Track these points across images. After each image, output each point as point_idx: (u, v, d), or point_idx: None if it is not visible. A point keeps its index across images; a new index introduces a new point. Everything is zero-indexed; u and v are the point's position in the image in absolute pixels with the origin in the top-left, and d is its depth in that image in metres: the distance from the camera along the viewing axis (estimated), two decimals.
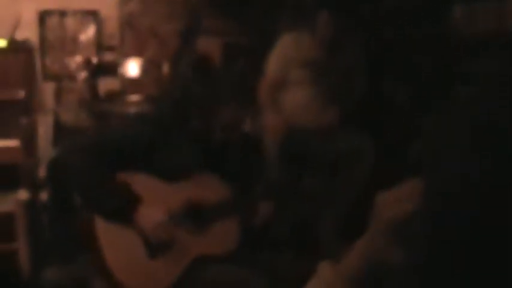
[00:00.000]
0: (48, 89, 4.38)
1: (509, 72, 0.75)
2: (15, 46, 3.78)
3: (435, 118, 0.82)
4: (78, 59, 4.47)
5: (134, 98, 4.00)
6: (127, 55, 4.37)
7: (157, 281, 2.38)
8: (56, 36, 4.46)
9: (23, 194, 3.10)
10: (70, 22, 4.50)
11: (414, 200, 0.88)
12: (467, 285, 0.76)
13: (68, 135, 3.96)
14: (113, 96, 3.94)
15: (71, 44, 4.49)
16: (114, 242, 2.36)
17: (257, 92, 3.77)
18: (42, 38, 4.42)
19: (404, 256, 0.89)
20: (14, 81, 3.68)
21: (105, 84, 4.26)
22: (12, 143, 3.43)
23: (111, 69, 4.00)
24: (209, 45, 4.68)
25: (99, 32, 4.51)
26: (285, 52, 3.79)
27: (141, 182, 2.40)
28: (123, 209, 2.33)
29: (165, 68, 4.04)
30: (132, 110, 3.84)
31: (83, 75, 4.39)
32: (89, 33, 4.51)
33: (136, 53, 4.40)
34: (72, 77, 4.47)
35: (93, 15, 4.52)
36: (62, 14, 4.47)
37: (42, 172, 4.05)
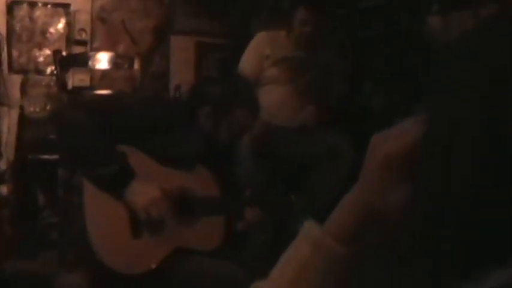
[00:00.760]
0: (14, 82, 4.23)
1: None
2: None
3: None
4: (47, 52, 4.33)
5: (103, 92, 3.88)
6: (98, 50, 4.25)
7: (137, 262, 2.30)
8: (24, 28, 4.32)
9: None
10: (40, 14, 4.36)
11: (414, 134, 0.78)
12: (472, 227, 0.66)
13: (34, 129, 3.82)
14: (81, 90, 3.80)
15: (39, 37, 4.35)
16: (100, 214, 2.29)
17: None
18: (10, 29, 4.27)
19: (403, 198, 0.79)
20: None
21: (74, 77, 4.12)
22: None
23: (81, 62, 3.86)
24: (182, 44, 4.59)
25: (70, 25, 4.38)
26: (260, 49, 3.72)
27: (138, 159, 2.35)
28: (117, 176, 2.25)
29: (137, 65, 3.92)
30: None
31: (51, 68, 4.26)
32: (59, 26, 4.38)
33: (108, 48, 4.27)
34: (39, 71, 4.33)
35: (64, 7, 4.38)
36: (32, 5, 4.33)
37: (3, 165, 3.90)
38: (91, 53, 4.06)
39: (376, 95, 4.21)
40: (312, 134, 3.59)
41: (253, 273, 2.43)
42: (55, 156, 3.37)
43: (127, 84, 4.08)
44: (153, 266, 2.28)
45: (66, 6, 4.39)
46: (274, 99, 3.64)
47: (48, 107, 4.09)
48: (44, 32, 4.35)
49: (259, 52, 3.70)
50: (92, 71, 4.00)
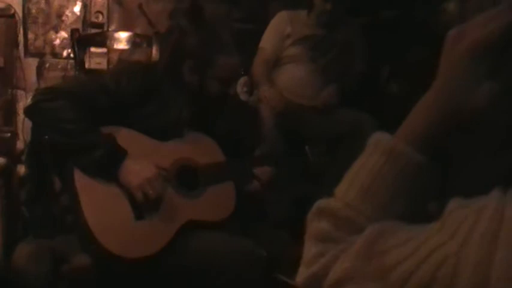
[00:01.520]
0: (30, 65, 4.17)
1: None
2: None
3: None
4: (63, 35, 4.28)
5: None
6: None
7: (143, 246, 2.17)
8: (40, 11, 4.26)
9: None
10: None
11: (501, 22, 0.72)
12: None
13: None
14: (99, 71, 3.74)
15: (55, 20, 4.29)
16: (96, 201, 2.17)
17: (251, 69, 3.64)
18: (26, 12, 4.22)
19: (491, 91, 0.72)
20: None
21: (91, 60, 4.07)
22: None
23: (99, 41, 3.80)
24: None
25: (86, 8, 4.32)
26: (281, 28, 3.68)
27: (128, 137, 2.23)
28: (107, 159, 2.14)
29: (155, 45, 3.86)
30: None
31: (67, 51, 4.21)
32: (75, 9, 4.32)
33: (124, 31, 4.22)
34: (55, 54, 4.27)
35: None
36: None
37: (20, 144, 3.85)
38: (109, 32, 4.01)
39: (393, 78, 4.16)
40: (334, 112, 3.53)
41: (269, 248, 2.36)
42: None
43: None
44: (160, 248, 2.18)
45: None
46: (295, 77, 3.61)
47: None
48: (60, 15, 4.29)
49: (280, 31, 3.66)
50: (110, 51, 3.94)
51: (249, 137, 2.64)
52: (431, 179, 0.80)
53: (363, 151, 0.86)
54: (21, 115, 4.01)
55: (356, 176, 0.83)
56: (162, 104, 2.29)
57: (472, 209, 0.66)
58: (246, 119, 2.69)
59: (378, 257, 0.72)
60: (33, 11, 4.25)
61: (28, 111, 2.30)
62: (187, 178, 2.29)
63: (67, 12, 4.32)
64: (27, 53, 4.23)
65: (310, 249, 0.82)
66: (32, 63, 4.19)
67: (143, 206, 2.17)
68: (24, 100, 4.07)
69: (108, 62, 4.10)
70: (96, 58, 4.08)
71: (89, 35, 3.89)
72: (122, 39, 3.65)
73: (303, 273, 0.82)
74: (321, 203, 0.85)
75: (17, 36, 3.92)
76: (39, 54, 4.25)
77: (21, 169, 3.68)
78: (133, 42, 3.66)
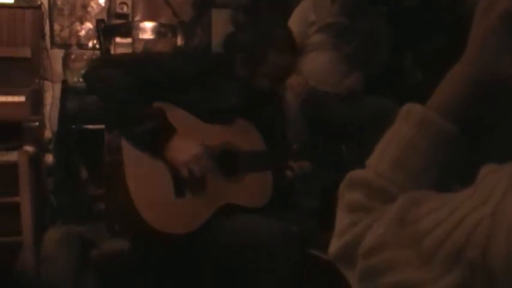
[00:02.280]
0: (56, 56, 4.22)
1: None
2: (23, 3, 3.62)
3: None
4: (88, 26, 4.32)
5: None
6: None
7: (182, 222, 2.22)
8: (65, 2, 4.31)
9: (28, 148, 2.94)
10: None
11: None
12: None
13: (77, 100, 3.80)
14: None
15: (81, 11, 4.34)
16: (141, 175, 2.21)
17: None
18: (52, 4, 4.26)
19: None
20: (21, 40, 3.53)
21: (116, 50, 4.10)
22: (17, 98, 3.27)
23: (124, 31, 3.84)
24: (224, 16, 4.54)
25: None
26: (305, 16, 3.68)
27: (177, 115, 2.27)
28: (156, 134, 2.17)
29: (180, 34, 3.88)
30: None
31: (92, 42, 4.25)
32: (100, 0, 4.36)
33: (149, 21, 4.24)
34: (81, 44, 4.31)
35: None
36: None
37: (47, 134, 3.90)
38: (134, 22, 4.04)
39: (417, 65, 4.14)
40: (358, 99, 3.53)
41: (303, 231, 2.38)
42: (99, 126, 3.36)
43: None
44: (198, 225, 2.21)
45: None
46: (319, 65, 3.61)
47: None
48: (85, 6, 4.34)
49: (304, 19, 3.66)
50: (135, 41, 3.98)
51: (275, 122, 2.67)
52: (462, 148, 0.80)
53: (394, 122, 0.86)
54: (48, 105, 4.07)
55: (387, 147, 0.84)
56: (213, 89, 2.33)
57: (505, 172, 0.67)
58: (279, 108, 2.72)
59: (411, 224, 0.72)
60: (59, 2, 4.30)
61: (86, 76, 2.35)
62: (229, 162, 2.32)
63: (92, 4, 4.36)
64: (53, 44, 4.28)
65: (342, 220, 0.83)
66: (58, 54, 4.23)
67: (186, 183, 2.21)
68: (50, 91, 4.13)
69: (133, 51, 4.14)
70: (121, 48, 4.12)
71: (114, 25, 3.92)
72: (147, 29, 3.67)
73: (335, 244, 0.83)
74: (353, 174, 0.86)
75: (43, 27, 3.96)
76: (65, 45, 4.29)
77: (49, 158, 3.74)
78: (158, 31, 3.67)
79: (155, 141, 2.18)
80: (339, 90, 3.56)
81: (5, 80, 3.36)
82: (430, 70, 3.91)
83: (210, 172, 2.25)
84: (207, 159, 2.22)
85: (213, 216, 2.25)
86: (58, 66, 4.20)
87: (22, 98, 3.32)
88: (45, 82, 4.08)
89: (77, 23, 4.33)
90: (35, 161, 2.98)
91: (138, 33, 3.71)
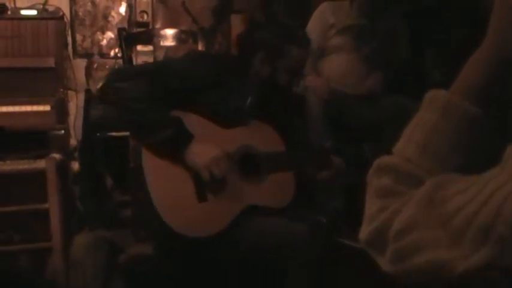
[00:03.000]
0: (79, 66, 4.28)
1: None
2: (46, 14, 3.68)
3: None
4: (110, 35, 4.38)
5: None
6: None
7: (206, 225, 2.25)
8: (87, 13, 4.37)
9: (55, 155, 2.99)
10: None
11: None
12: None
13: (100, 108, 3.84)
14: None
15: (102, 21, 4.40)
16: (162, 181, 2.24)
17: None
18: (73, 15, 4.33)
19: None
20: (45, 50, 3.58)
21: (137, 59, 4.15)
22: (43, 107, 3.33)
23: (146, 39, 3.88)
24: (241, 24, 4.57)
25: (131, 8, 4.41)
26: (324, 19, 3.69)
27: (195, 122, 2.32)
28: (175, 140, 2.21)
29: (200, 40, 3.92)
30: None
31: (114, 51, 4.30)
32: (120, 9, 4.42)
33: (170, 28, 4.29)
34: (103, 54, 4.37)
35: None
36: None
37: (72, 142, 3.95)
38: (155, 30, 4.08)
39: (436, 64, 4.13)
40: (379, 100, 3.54)
41: (322, 234, 2.39)
42: (123, 133, 3.40)
43: None
44: (222, 228, 2.24)
45: None
46: (340, 67, 3.63)
47: None
48: (106, 16, 4.40)
49: (323, 21, 3.67)
50: (156, 49, 4.02)
51: (298, 123, 2.69)
52: (486, 131, 0.82)
53: (419, 108, 0.88)
54: (72, 115, 4.13)
55: (413, 132, 0.86)
56: (229, 92, 2.36)
57: None
58: (294, 107, 2.74)
59: (440, 205, 0.74)
60: (80, 13, 4.36)
61: (101, 91, 2.40)
62: (249, 165, 2.34)
63: (113, 13, 4.42)
64: (76, 54, 4.35)
65: (371, 206, 0.85)
66: (81, 63, 4.30)
67: (208, 187, 2.24)
68: (74, 100, 4.18)
69: (155, 60, 4.19)
70: (142, 56, 4.17)
71: (135, 33, 3.96)
72: (168, 36, 3.71)
73: (365, 230, 0.85)
74: (381, 160, 0.87)
75: (66, 37, 4.02)
76: (87, 55, 4.36)
77: (75, 165, 3.79)
78: (179, 38, 3.71)
79: (174, 148, 2.22)
80: (359, 91, 3.56)
81: (31, 90, 3.43)
82: (450, 69, 3.91)
83: (230, 174, 2.27)
84: (226, 161, 2.24)
85: (237, 219, 2.27)
86: (81, 75, 4.26)
87: (47, 107, 3.38)
88: (69, 92, 4.14)
89: (99, 33, 4.39)
90: (62, 168, 3.03)
91: (160, 41, 3.76)
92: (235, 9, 4.58)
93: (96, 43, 4.39)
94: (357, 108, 3.50)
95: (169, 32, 3.74)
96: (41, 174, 2.85)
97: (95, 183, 3.92)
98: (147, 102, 2.21)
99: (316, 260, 2.19)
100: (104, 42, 4.40)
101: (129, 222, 3.04)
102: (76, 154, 3.87)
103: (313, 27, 3.68)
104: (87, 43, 4.38)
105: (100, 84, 2.54)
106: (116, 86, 2.27)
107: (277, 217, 2.32)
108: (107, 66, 4.34)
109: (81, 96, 4.15)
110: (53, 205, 2.82)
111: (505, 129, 0.84)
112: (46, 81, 3.50)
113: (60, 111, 3.51)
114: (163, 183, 2.23)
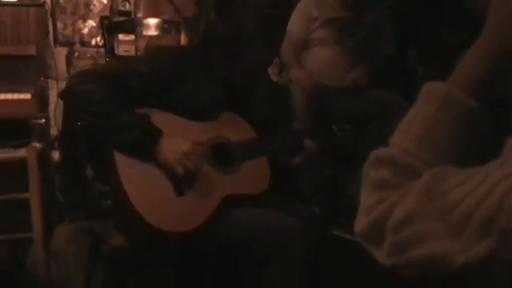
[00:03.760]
0: (60, 55, 4.24)
1: None
2: (26, 1, 3.63)
3: None
4: (91, 23, 4.33)
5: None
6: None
7: (186, 221, 2.22)
8: (68, 0, 4.32)
9: (36, 144, 2.95)
10: None
11: None
12: None
13: None
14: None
15: (83, 9, 4.35)
16: (137, 180, 2.21)
17: (280, 51, 3.65)
18: (54, 2, 4.28)
19: None
20: (25, 38, 3.54)
21: (119, 47, 4.11)
22: (23, 96, 3.29)
23: (128, 27, 3.85)
24: None
25: None
26: (308, 11, 3.69)
27: (162, 118, 2.27)
28: (144, 139, 2.18)
29: (183, 30, 3.89)
30: None
31: (95, 40, 4.26)
32: None
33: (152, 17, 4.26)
34: (84, 42, 4.33)
35: None
36: None
37: (53, 131, 3.91)
38: (138, 19, 4.05)
39: (420, 61, 4.15)
40: (363, 93, 3.55)
41: (307, 223, 2.40)
42: None
43: None
44: (203, 221, 2.23)
45: None
46: (323, 60, 3.63)
47: None
48: (87, 4, 4.35)
49: (307, 14, 3.67)
50: (138, 38, 3.99)
51: (282, 115, 2.68)
52: (485, 124, 0.82)
53: (416, 101, 0.88)
54: (52, 103, 4.08)
55: (411, 124, 0.85)
56: (194, 87, 2.33)
57: None
58: (277, 99, 2.71)
59: (440, 197, 0.74)
60: (62, 0, 4.31)
61: (63, 95, 2.36)
62: (222, 155, 2.33)
63: (94, 1, 4.37)
64: (57, 42, 4.30)
65: (368, 197, 0.85)
66: (62, 52, 4.25)
67: (183, 182, 2.22)
68: (55, 89, 4.14)
69: (136, 49, 4.15)
70: (124, 45, 4.13)
71: (118, 22, 3.93)
72: (150, 25, 3.69)
73: (362, 222, 0.84)
74: (378, 152, 0.87)
75: (47, 25, 3.97)
76: (68, 43, 4.31)
77: (55, 155, 3.75)
78: (161, 28, 3.69)
79: (143, 147, 2.19)
80: (343, 84, 3.57)
81: (11, 78, 3.38)
82: (435, 64, 3.93)
83: (205, 166, 2.26)
84: (198, 152, 2.22)
85: (217, 210, 2.25)
86: (62, 64, 4.21)
87: (28, 96, 3.34)
88: (50, 81, 4.09)
89: (80, 21, 4.34)
90: (43, 157, 2.99)
91: (142, 30, 3.73)
92: None
93: (77, 31, 4.34)
94: (340, 101, 3.51)
95: (152, 21, 3.71)
96: (21, 163, 2.81)
97: (75, 173, 3.89)
98: (108, 104, 2.17)
99: (308, 252, 2.19)
100: (86, 30, 4.35)
101: (110, 213, 3.01)
102: (56, 144, 3.82)
103: (297, 18, 3.68)
104: (68, 31, 4.34)
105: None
106: (77, 90, 2.23)
107: (266, 208, 2.30)
108: (88, 55, 4.30)
109: (62, 85, 4.09)
110: (33, 195, 2.78)
111: (506, 122, 0.84)
112: (27, 70, 3.45)
113: (41, 99, 3.47)
114: (139, 182, 2.20)
